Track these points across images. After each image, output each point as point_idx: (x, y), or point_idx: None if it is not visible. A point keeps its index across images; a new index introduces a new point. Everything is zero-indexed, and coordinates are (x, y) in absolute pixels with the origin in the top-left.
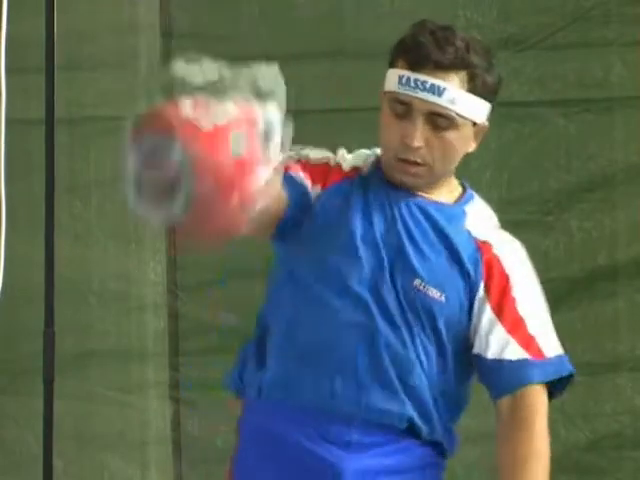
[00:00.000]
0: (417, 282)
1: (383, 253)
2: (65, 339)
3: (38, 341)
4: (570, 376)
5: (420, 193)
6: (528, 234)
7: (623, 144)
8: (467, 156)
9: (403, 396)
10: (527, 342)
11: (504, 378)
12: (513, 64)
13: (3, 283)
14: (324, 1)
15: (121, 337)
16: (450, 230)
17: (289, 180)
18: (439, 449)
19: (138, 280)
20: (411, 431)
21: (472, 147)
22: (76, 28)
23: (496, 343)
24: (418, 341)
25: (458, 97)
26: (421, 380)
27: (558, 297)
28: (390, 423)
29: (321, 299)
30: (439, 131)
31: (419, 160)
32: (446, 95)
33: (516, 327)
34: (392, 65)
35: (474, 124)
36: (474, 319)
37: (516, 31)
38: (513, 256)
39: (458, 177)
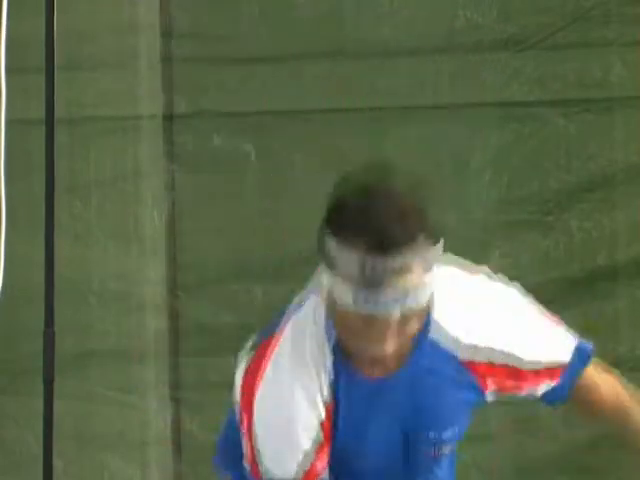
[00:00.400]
0: (432, 435)
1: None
2: (65, 339)
3: (38, 341)
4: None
5: (377, 371)
6: (528, 234)
7: (623, 144)
8: (466, 155)
9: None
10: (552, 374)
11: (556, 396)
12: (513, 64)
13: (3, 283)
14: (324, 1)
15: (121, 337)
16: (439, 377)
17: None
18: None
19: (138, 280)
20: None
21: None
22: (76, 28)
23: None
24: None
25: (419, 290)
26: None
27: (558, 297)
28: None
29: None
30: (406, 321)
31: (389, 354)
32: (410, 298)
33: (537, 375)
34: (340, 233)
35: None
36: None
37: (516, 31)
38: (497, 340)
39: (459, 176)
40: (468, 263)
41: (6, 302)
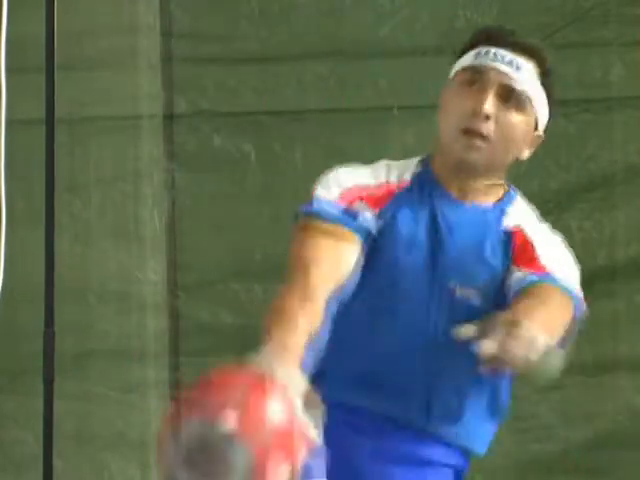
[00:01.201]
0: (453, 284)
1: (424, 259)
2: (65, 339)
3: (38, 341)
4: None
5: (466, 200)
6: None
7: (623, 144)
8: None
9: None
10: (541, 269)
11: (514, 287)
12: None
13: (3, 283)
14: (324, 1)
15: (121, 337)
16: (488, 236)
17: (356, 222)
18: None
19: (138, 280)
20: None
21: (525, 153)
22: (76, 28)
23: (517, 277)
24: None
25: (532, 81)
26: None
27: None
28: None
29: (387, 313)
30: (508, 108)
31: (484, 132)
32: (522, 73)
33: (531, 263)
34: (462, 54)
35: (536, 125)
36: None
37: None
38: (542, 233)
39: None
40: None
41: (6, 302)
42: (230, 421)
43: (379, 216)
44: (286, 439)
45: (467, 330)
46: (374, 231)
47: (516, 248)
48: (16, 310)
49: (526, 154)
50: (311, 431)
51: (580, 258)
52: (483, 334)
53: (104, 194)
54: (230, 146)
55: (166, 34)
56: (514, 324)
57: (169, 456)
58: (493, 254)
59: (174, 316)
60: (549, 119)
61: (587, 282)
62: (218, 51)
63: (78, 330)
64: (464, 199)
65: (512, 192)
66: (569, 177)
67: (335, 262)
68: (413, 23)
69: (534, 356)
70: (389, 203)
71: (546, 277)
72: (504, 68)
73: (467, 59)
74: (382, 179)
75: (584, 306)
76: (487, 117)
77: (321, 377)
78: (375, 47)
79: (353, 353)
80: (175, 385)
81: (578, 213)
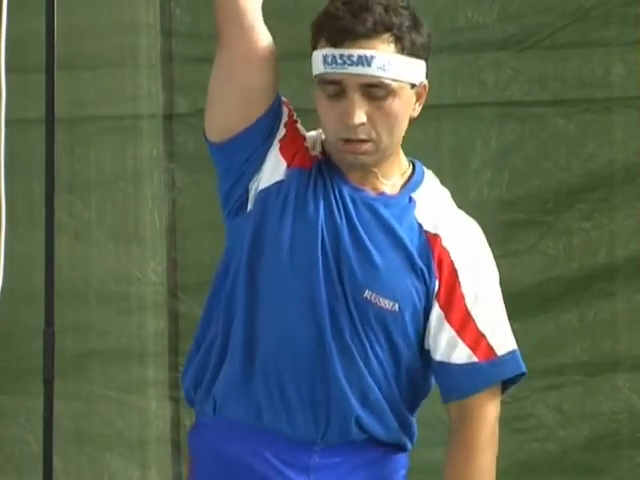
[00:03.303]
0: (367, 293)
1: (331, 261)
2: (65, 339)
3: (38, 341)
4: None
5: (367, 186)
6: (527, 234)
7: (623, 144)
8: (466, 155)
9: (360, 412)
10: (476, 342)
11: (453, 383)
12: (513, 64)
13: (3, 283)
14: (324, 1)
15: (121, 337)
16: (400, 228)
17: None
18: (402, 447)
19: (138, 280)
20: (372, 440)
21: (417, 110)
22: (76, 27)
23: (444, 343)
24: (371, 354)
25: (387, 62)
26: (376, 392)
27: (557, 297)
28: (351, 440)
29: (278, 309)
30: (377, 102)
31: (364, 137)
32: (375, 63)
33: (464, 326)
34: (314, 47)
35: (412, 85)
36: (429, 318)
37: (516, 31)
38: (463, 246)
39: (459, 176)
40: None
41: (6, 302)
42: None
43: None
44: None
45: None
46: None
47: (438, 267)
48: (16, 310)
49: (417, 110)
50: None
51: (579, 258)
52: None
53: (104, 194)
54: None
55: (166, 34)
56: None
57: None
58: (407, 245)
59: (174, 316)
60: (427, 56)
61: (586, 282)
62: None
63: (78, 330)
64: (364, 185)
65: (418, 170)
66: (569, 177)
67: None
68: None
69: None
70: (299, 167)
71: (485, 377)
72: (354, 70)
73: (318, 64)
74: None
75: (520, 363)
76: (360, 125)
77: (207, 392)
78: None
79: (237, 360)
80: (175, 385)
81: (578, 213)
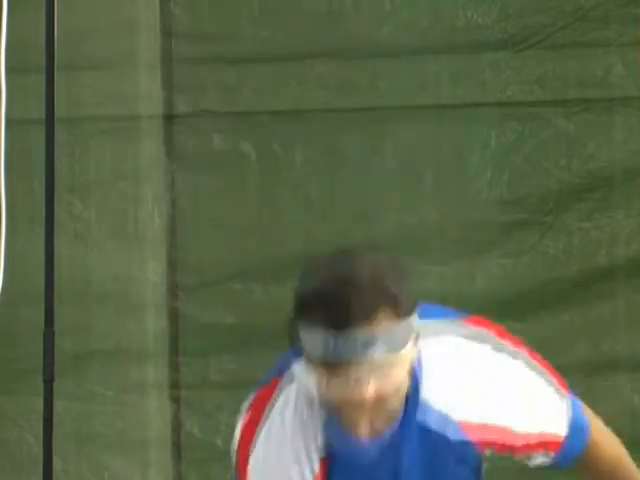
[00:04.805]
0: None
1: None
2: (65, 339)
3: (38, 341)
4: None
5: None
6: (528, 234)
7: (623, 144)
8: (466, 155)
9: None
10: (547, 446)
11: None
12: (513, 64)
13: (3, 283)
14: (324, 1)
15: (121, 337)
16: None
17: None
18: None
19: (138, 280)
20: None
21: (414, 353)
22: (76, 28)
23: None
24: None
25: (389, 335)
26: None
27: (557, 297)
28: None
29: None
30: (381, 373)
31: (371, 407)
32: (379, 346)
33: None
34: (304, 317)
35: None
36: None
37: (516, 31)
38: (490, 416)
39: (458, 176)
40: (476, 332)
41: (6, 302)
42: None
43: None
44: None
45: None
46: None
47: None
48: (16, 310)
49: (415, 351)
50: None
51: (579, 258)
52: None
53: (104, 194)
54: (230, 146)
55: (166, 34)
56: None
57: None
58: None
59: (174, 316)
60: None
61: (586, 282)
62: (218, 51)
63: (78, 330)
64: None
65: (413, 385)
66: (569, 177)
67: None
68: (413, 23)
69: None
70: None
71: (571, 451)
72: (358, 358)
73: (315, 349)
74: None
75: (584, 419)
76: (369, 400)
77: None
78: (375, 47)
79: None
80: (175, 385)
81: (577, 213)
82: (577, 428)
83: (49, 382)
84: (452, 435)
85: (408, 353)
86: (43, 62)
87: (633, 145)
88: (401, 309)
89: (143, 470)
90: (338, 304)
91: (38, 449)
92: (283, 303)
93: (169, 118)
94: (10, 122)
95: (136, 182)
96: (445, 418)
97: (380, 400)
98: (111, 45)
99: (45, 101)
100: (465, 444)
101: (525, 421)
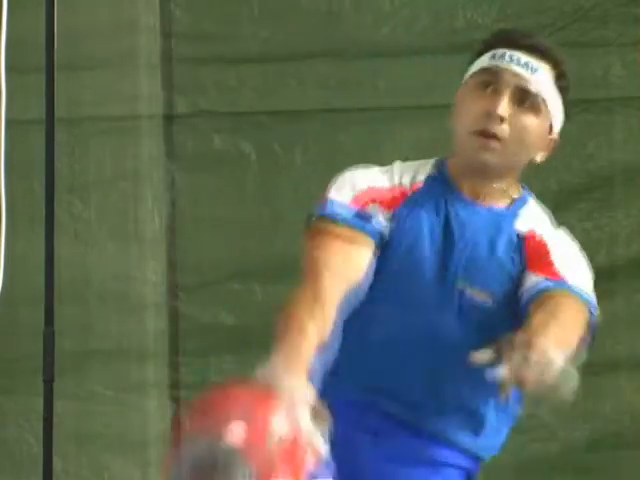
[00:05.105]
0: (468, 290)
1: (436, 261)
2: (65, 339)
3: (38, 341)
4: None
5: (478, 201)
6: None
7: (622, 144)
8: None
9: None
10: (553, 274)
11: (528, 295)
12: None
13: (3, 283)
14: (324, 1)
15: (121, 337)
16: (500, 237)
17: (369, 226)
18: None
19: (138, 280)
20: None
21: (540, 156)
22: (76, 28)
23: (526, 284)
24: (467, 344)
25: (547, 83)
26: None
27: None
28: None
29: (394, 307)
30: (522, 111)
31: (499, 134)
32: (537, 75)
33: (545, 269)
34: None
35: (550, 127)
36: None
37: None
38: (559, 242)
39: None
40: None
41: (6, 302)
42: (234, 436)
43: (392, 219)
44: (291, 453)
45: (482, 356)
46: (387, 234)
47: (530, 252)
48: (16, 310)
49: (540, 157)
50: (318, 443)
51: None
52: (498, 359)
53: (104, 194)
54: (230, 146)
55: (166, 34)
56: (530, 347)
57: (174, 473)
58: (506, 256)
59: (174, 316)
60: (564, 122)
61: None
62: (218, 51)
63: (78, 330)
64: (477, 200)
65: (526, 195)
66: (569, 177)
67: (347, 266)
68: (413, 23)
69: (550, 380)
70: (402, 206)
71: (561, 284)
72: (519, 70)
73: (482, 61)
74: (395, 181)
75: (598, 312)
76: (501, 119)
77: (333, 377)
78: (375, 47)
79: (365, 354)
80: (175, 385)
81: (578, 213)
82: (584, 291)
83: (49, 382)
84: (519, 233)
85: (544, 129)
86: (43, 62)
87: (633, 145)
88: (562, 85)
89: (143, 470)
90: (519, 35)
91: (38, 449)
92: (283, 303)
93: (169, 118)
94: (10, 122)
95: (136, 182)
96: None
97: (520, 100)
98: (111, 45)
99: (45, 101)
100: (521, 240)
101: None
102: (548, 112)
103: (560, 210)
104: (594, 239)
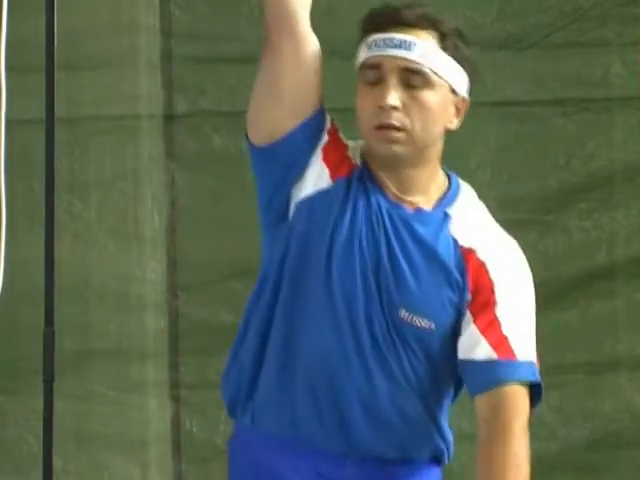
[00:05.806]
0: (404, 313)
1: (371, 278)
2: (65, 339)
3: (38, 341)
4: (539, 392)
5: (404, 202)
6: (527, 234)
7: (622, 144)
8: (466, 155)
9: (396, 427)
10: (498, 342)
11: (476, 377)
12: (513, 64)
13: (3, 283)
14: (323, 1)
15: (121, 337)
16: (436, 245)
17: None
18: (438, 459)
19: (138, 280)
20: (408, 454)
21: (454, 123)
22: (76, 28)
23: (468, 342)
24: (410, 370)
25: (429, 52)
26: (414, 408)
27: (557, 296)
28: (386, 454)
29: (316, 323)
30: (414, 90)
31: (396, 123)
32: (416, 50)
33: (489, 327)
34: (361, 29)
35: (453, 91)
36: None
37: (516, 31)
38: (500, 260)
39: (458, 175)
40: None
41: (6, 302)
42: None
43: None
44: None
45: None
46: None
47: (471, 279)
48: (16, 310)
49: (455, 123)
50: None
51: (580, 258)
52: None
53: (104, 194)
54: (230, 146)
55: (166, 34)
56: None
57: None
58: (445, 267)
59: (174, 316)
60: (472, 78)
61: (587, 282)
62: (218, 51)
63: (78, 330)
64: (402, 200)
65: (454, 185)
66: (569, 177)
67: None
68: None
69: None
70: (344, 178)
71: (508, 370)
72: (396, 52)
73: (361, 54)
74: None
75: (537, 374)
76: (395, 108)
77: (243, 401)
78: None
79: (274, 372)
80: (175, 385)
81: (577, 213)
82: (532, 370)
83: (49, 382)
84: (463, 242)
85: (445, 98)
86: (43, 62)
87: (633, 145)
88: (448, 45)
89: (143, 469)
90: (387, 12)
91: (38, 449)
92: None
93: (169, 118)
94: (10, 122)
95: (136, 182)
96: (463, 230)
97: (407, 115)
98: (111, 45)
99: (45, 101)
100: (460, 253)
101: (513, 300)
102: (441, 79)
103: (560, 210)
104: (594, 239)
